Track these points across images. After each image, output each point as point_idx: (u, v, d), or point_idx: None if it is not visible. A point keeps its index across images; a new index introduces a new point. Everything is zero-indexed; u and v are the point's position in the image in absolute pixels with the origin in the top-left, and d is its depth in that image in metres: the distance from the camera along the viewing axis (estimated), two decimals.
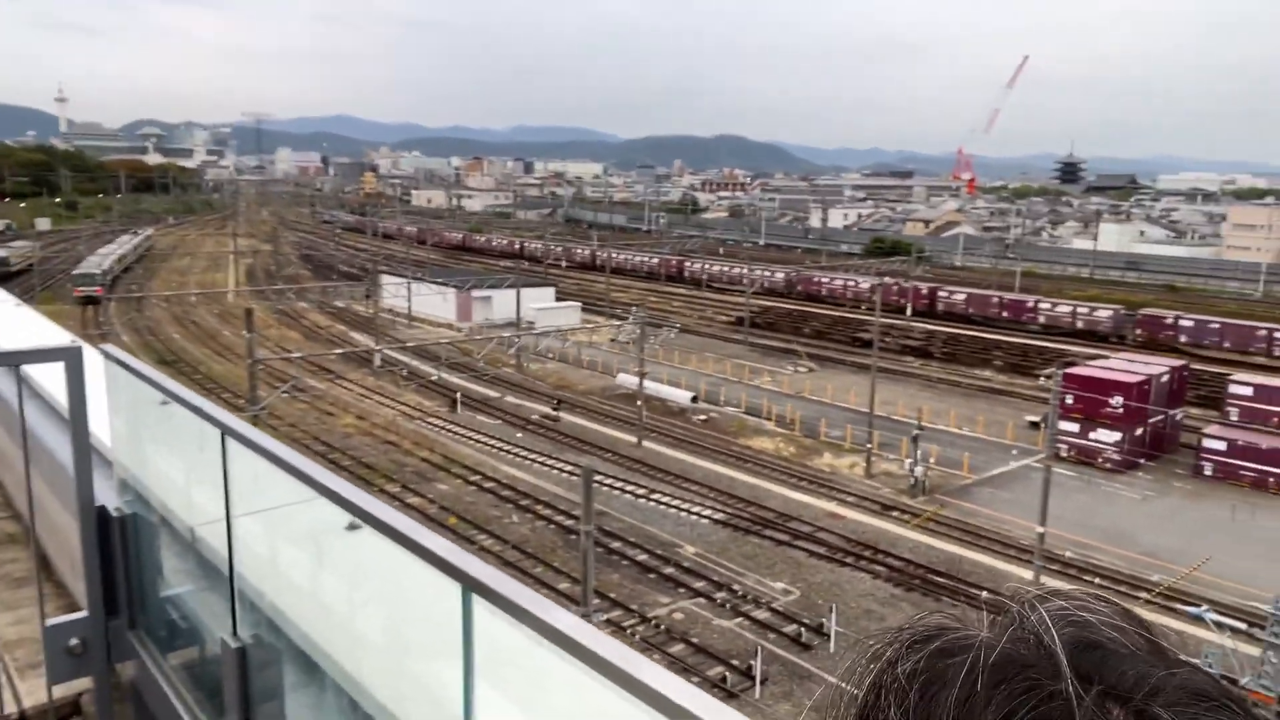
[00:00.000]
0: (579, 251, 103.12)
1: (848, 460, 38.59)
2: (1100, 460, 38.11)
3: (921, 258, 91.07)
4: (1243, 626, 22.34)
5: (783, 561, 29.17)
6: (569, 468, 36.28)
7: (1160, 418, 39.58)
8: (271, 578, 2.80)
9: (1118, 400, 37.91)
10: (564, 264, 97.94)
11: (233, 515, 2.73)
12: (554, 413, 44.98)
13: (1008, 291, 67.74)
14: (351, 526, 2.60)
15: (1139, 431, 38.31)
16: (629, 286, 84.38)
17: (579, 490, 24.60)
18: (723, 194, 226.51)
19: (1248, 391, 39.42)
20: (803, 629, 24.73)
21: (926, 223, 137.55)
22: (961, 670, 0.63)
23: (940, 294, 66.50)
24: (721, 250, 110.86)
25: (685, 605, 26.28)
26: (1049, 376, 31.50)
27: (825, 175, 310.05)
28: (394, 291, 70.06)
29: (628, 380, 47.59)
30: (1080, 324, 59.12)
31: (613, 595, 26.22)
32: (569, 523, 30.89)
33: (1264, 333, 53.48)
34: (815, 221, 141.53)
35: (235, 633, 2.73)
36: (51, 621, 3.49)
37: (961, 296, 65.58)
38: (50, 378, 4.16)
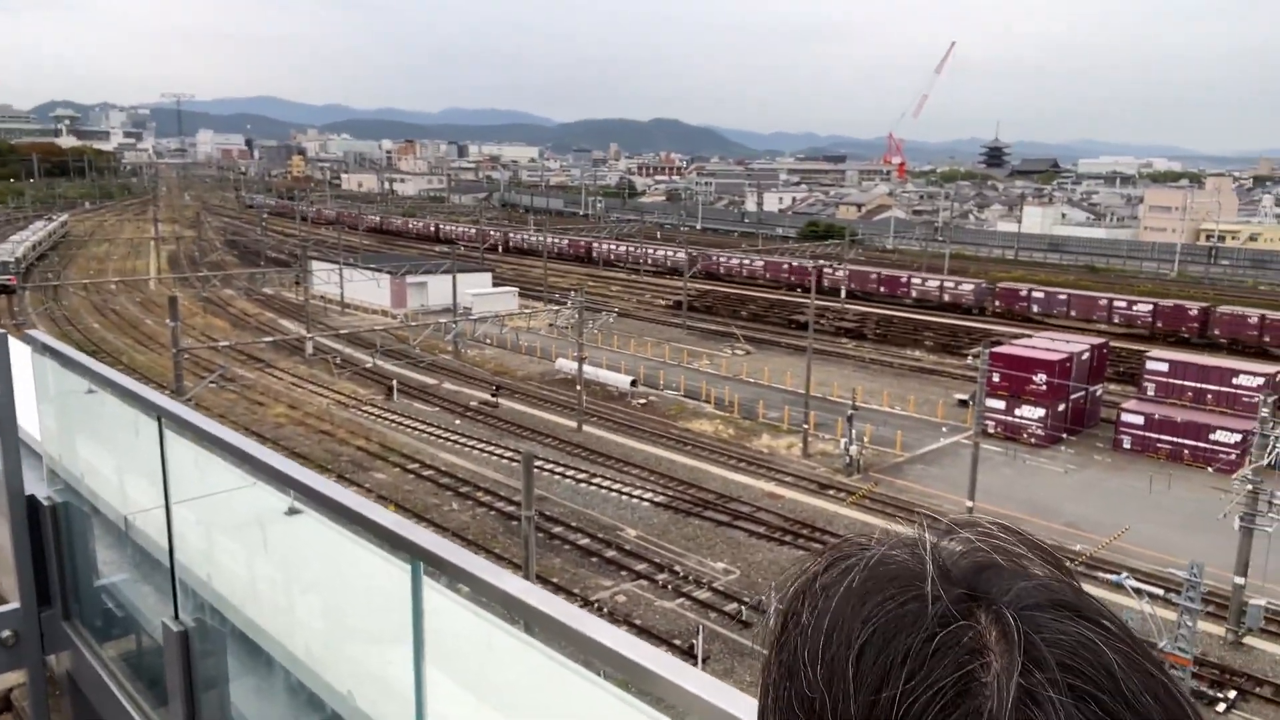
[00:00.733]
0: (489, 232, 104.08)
1: (785, 441, 39.19)
2: (1025, 436, 39.38)
3: (854, 241, 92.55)
4: (1160, 592, 23.38)
5: (723, 542, 29.55)
6: (509, 454, 36.14)
7: (1081, 394, 41.01)
8: (213, 561, 2.78)
9: (1041, 378, 39.15)
10: (469, 246, 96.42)
11: (171, 499, 2.70)
12: (493, 399, 44.69)
13: (891, 268, 73.60)
14: (294, 509, 2.60)
15: (1061, 408, 39.67)
16: (568, 271, 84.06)
17: (519, 476, 24.55)
18: (659, 178, 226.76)
19: (1163, 368, 41.07)
20: (743, 607, 25.13)
21: (859, 206, 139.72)
22: (849, 574, 0.72)
23: (825, 271, 71.16)
24: (659, 234, 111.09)
25: (627, 588, 26.48)
26: (976, 356, 32.39)
27: (760, 159, 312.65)
28: (325, 278, 68.60)
29: (567, 365, 47.50)
30: (947, 297, 65.07)
31: (555, 580, 26.27)
32: (510, 509, 30.80)
33: (1105, 302, 59.44)
34: (751, 206, 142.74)
35: (177, 617, 2.70)
36: None
37: (843, 274, 70.29)
38: None
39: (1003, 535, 0.73)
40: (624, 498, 32.86)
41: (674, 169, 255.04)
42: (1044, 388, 39.08)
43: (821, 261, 74.83)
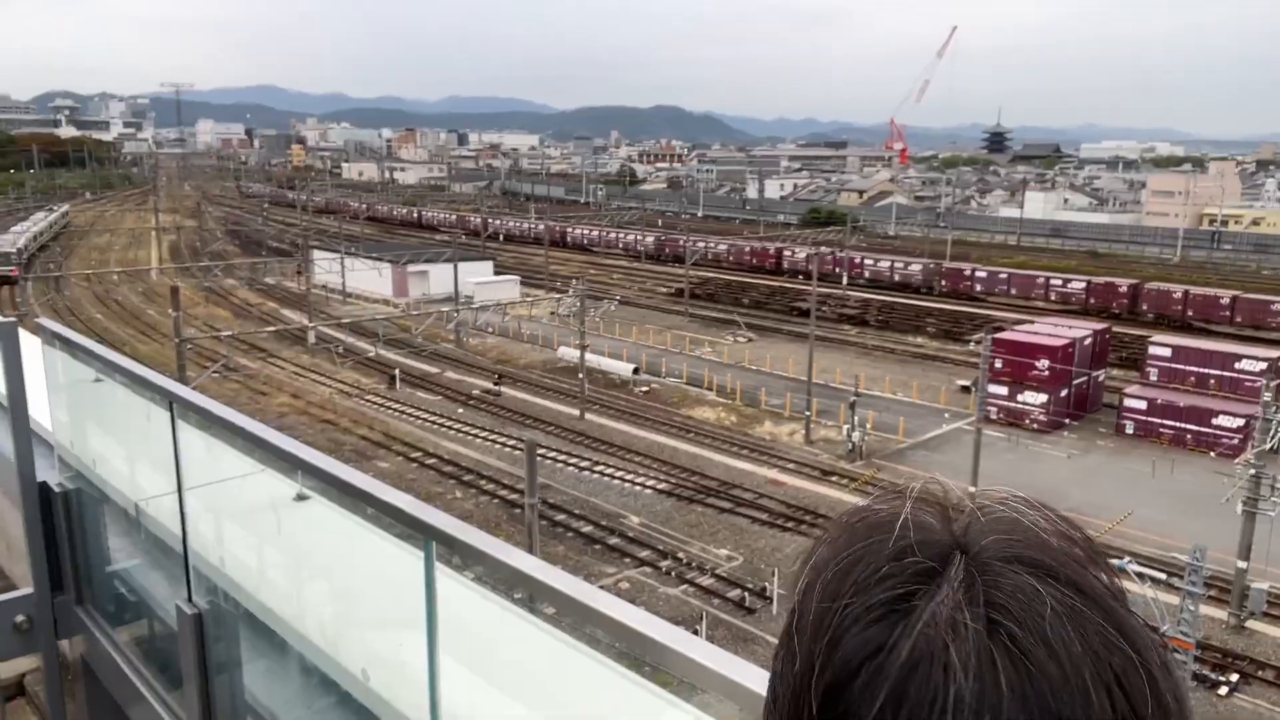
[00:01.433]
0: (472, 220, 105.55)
1: (787, 428, 39.23)
2: (1028, 421, 39.39)
3: (856, 227, 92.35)
4: (1163, 576, 23.42)
5: (726, 529, 29.64)
6: (512, 442, 36.20)
7: (1084, 379, 41.00)
8: (226, 545, 2.81)
9: (1043, 363, 39.14)
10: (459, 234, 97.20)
11: (184, 484, 2.73)
12: (495, 387, 44.73)
13: (858, 252, 75.90)
14: (306, 493, 2.63)
15: (1064, 393, 39.67)
16: (569, 259, 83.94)
17: (522, 464, 24.61)
18: (660, 165, 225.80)
19: (1166, 353, 41.04)
20: (746, 594, 25.24)
21: (860, 193, 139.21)
22: (841, 530, 0.77)
23: (785, 254, 74.69)
24: (660, 222, 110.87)
25: (631, 574, 26.59)
26: (978, 342, 32.39)
27: (762, 146, 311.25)
28: (327, 268, 68.54)
29: (569, 353, 47.51)
30: (897, 277, 68.14)
31: (559, 567, 26.28)
32: (513, 497, 30.88)
33: (1042, 280, 62.04)
34: (752, 192, 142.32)
35: (191, 600, 2.74)
36: None
37: (802, 255, 72.20)
38: None
39: (1024, 506, 0.74)
40: (627, 485, 32.94)
41: (675, 156, 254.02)
42: (1046, 373, 39.07)
43: (781, 245, 78.41)
